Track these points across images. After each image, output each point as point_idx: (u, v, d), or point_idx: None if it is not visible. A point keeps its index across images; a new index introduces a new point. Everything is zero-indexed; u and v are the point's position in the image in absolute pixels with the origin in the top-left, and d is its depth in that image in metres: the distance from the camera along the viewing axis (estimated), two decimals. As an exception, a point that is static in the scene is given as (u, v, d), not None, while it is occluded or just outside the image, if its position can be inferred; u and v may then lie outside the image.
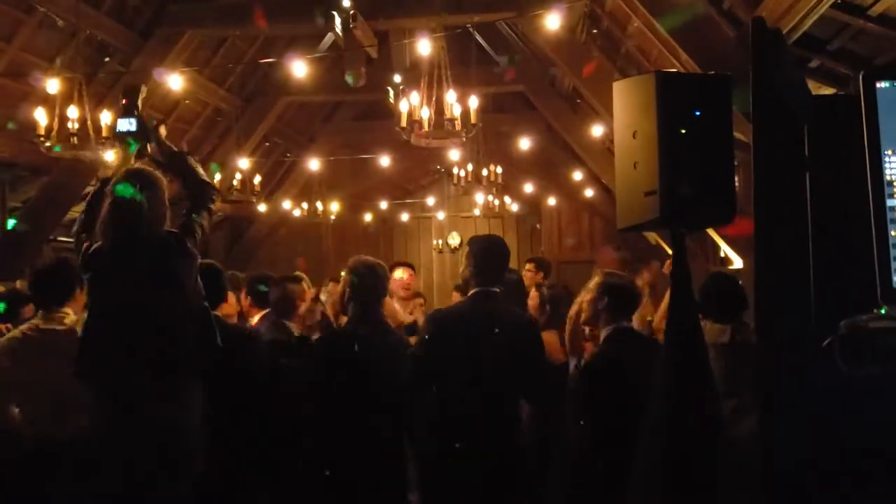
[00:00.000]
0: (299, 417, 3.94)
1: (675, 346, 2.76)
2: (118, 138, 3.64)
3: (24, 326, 3.98)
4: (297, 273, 4.85)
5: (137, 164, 3.54)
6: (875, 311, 1.97)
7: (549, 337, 4.64)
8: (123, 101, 3.71)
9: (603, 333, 3.71)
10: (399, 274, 5.82)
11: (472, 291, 3.92)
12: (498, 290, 3.90)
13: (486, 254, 3.95)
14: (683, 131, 2.85)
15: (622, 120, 3.06)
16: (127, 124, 3.59)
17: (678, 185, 2.88)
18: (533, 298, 4.95)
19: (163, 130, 3.78)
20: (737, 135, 3.04)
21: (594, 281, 3.79)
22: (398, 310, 5.48)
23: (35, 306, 4.07)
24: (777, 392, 2.18)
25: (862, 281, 1.99)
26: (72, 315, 3.90)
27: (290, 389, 3.97)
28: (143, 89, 3.83)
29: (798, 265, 2.20)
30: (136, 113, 3.66)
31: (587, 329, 3.93)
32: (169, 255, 3.30)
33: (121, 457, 3.23)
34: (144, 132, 3.59)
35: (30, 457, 3.84)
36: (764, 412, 2.24)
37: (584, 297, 3.79)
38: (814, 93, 3.67)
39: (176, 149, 3.73)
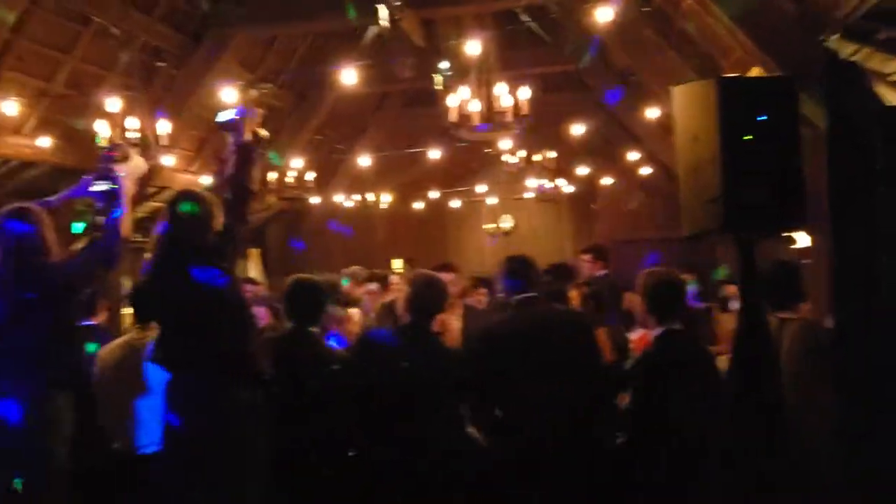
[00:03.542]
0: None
1: (746, 363, 2.73)
2: (219, 127, 3.73)
3: (126, 337, 4.28)
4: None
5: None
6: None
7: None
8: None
9: (652, 334, 3.73)
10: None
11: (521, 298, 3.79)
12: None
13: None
14: (748, 136, 2.80)
15: (683, 125, 3.02)
16: (227, 115, 3.66)
17: (742, 191, 2.83)
18: (574, 298, 4.86)
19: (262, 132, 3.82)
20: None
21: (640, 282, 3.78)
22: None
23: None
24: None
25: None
26: None
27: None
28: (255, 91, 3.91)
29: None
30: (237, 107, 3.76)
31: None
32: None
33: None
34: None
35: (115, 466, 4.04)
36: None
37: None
38: (882, 67, 3.51)
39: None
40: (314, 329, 4.07)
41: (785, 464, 3.06)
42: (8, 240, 3.51)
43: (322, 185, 13.14)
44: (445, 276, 5.46)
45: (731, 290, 7.55)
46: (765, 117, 2.77)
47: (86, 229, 3.91)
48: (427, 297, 3.96)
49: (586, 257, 7.30)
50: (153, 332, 3.97)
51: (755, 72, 6.46)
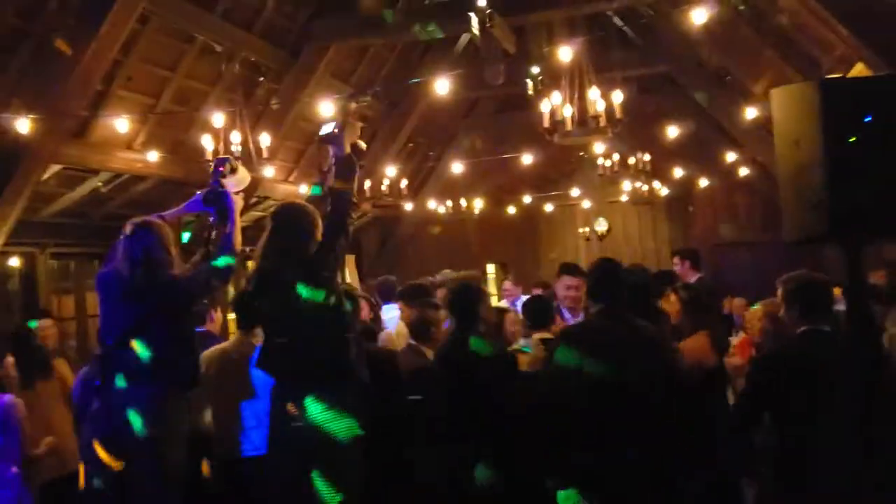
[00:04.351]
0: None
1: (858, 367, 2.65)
2: (321, 140, 3.79)
3: (230, 341, 4.47)
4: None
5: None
6: None
7: (696, 342, 4.36)
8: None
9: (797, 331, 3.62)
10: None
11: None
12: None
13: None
14: (852, 139, 2.71)
15: (783, 129, 2.94)
16: (328, 128, 3.73)
17: (847, 194, 2.74)
18: (672, 304, 4.69)
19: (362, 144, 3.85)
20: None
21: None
22: None
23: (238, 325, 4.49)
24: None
25: None
26: None
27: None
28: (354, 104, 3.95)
29: None
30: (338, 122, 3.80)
31: None
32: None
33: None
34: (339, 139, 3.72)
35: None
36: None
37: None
38: None
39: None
40: None
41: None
42: (135, 252, 3.69)
43: (415, 192, 13.34)
44: (571, 281, 5.37)
45: (836, 291, 7.28)
46: (870, 118, 2.68)
47: (195, 240, 4.10)
48: (459, 302, 4.19)
49: (676, 261, 7.21)
50: (257, 337, 4.12)
51: (859, 68, 6.23)
